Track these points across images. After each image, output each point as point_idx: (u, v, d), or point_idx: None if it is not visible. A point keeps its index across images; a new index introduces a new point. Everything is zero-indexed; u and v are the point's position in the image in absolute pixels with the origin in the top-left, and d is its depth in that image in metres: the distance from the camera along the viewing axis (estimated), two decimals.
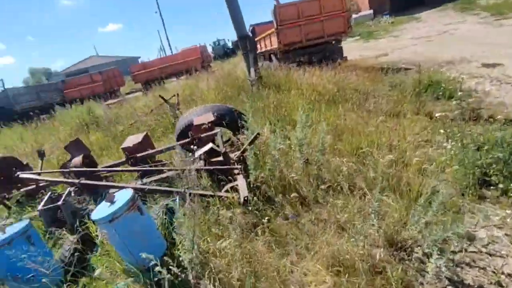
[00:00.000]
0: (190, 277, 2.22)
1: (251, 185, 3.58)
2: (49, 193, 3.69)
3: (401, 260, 2.60)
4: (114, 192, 2.60)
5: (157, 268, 2.17)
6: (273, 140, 3.96)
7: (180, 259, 2.32)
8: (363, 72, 8.74)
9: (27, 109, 17.75)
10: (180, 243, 2.34)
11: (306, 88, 7.28)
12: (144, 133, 4.89)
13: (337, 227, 3.02)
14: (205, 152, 3.95)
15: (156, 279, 2.19)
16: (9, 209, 4.35)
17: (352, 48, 16.84)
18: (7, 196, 4.27)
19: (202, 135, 4.31)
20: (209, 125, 4.40)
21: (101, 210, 2.37)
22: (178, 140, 4.94)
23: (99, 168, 4.32)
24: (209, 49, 33.85)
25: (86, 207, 3.67)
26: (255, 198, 3.33)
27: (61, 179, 3.76)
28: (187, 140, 4.39)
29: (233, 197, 3.36)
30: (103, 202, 2.43)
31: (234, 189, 3.49)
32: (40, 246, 2.62)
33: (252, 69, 8.62)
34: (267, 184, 3.64)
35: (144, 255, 2.15)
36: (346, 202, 3.24)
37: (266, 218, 3.12)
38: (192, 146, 4.11)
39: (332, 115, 5.76)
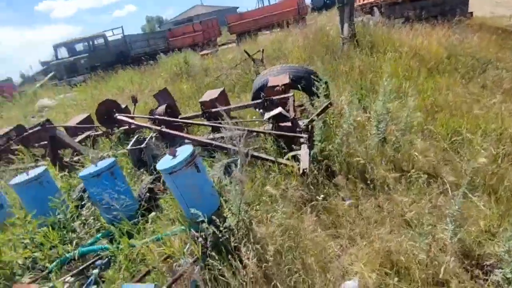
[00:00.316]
0: (232, 240, 2.32)
1: (315, 157, 3.40)
2: (137, 135, 4.23)
3: (474, 278, 2.18)
4: (178, 146, 2.79)
5: (204, 225, 2.32)
6: (348, 110, 3.58)
7: (227, 220, 2.43)
8: (489, 35, 6.94)
9: (139, 54, 20.20)
10: (227, 205, 2.42)
11: (406, 51, 6.21)
12: (222, 89, 5.02)
13: (401, 222, 2.67)
14: (274, 116, 3.85)
15: (202, 234, 2.36)
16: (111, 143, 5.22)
17: (481, 3, 13.39)
18: (111, 132, 5.09)
19: (274, 98, 4.19)
20: (283, 87, 4.22)
21: (164, 162, 2.60)
22: (253, 99, 4.94)
23: (179, 118, 4.70)
24: (308, 0, 31.66)
25: (164, 152, 4.10)
26: (315, 171, 3.16)
27: (147, 124, 4.25)
28: (259, 101, 4.34)
29: (292, 166, 3.27)
30: (167, 155, 2.65)
31: (297, 159, 3.38)
32: (121, 181, 3.08)
33: (345, 25, 7.73)
34: (332, 159, 3.40)
35: (193, 210, 2.31)
36: (420, 196, 2.80)
37: (322, 195, 2.96)
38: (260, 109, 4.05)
39: (431, 87, 4.85)
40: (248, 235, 2.40)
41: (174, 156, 2.63)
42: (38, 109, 13.93)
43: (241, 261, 2.21)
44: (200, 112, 4.58)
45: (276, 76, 4.65)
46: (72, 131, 5.32)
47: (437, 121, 4.02)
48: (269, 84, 4.36)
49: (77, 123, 5.35)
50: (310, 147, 3.44)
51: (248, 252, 2.18)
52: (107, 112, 4.62)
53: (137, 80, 12.06)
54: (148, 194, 3.30)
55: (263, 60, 7.83)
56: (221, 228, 2.34)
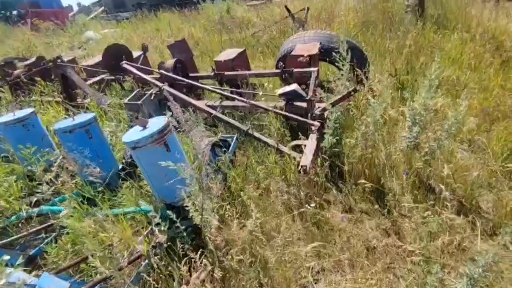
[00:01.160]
0: (188, 241, 1.96)
1: (322, 152, 2.82)
2: (137, 89, 3.88)
3: None
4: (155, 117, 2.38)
5: (167, 212, 1.97)
6: (378, 101, 2.86)
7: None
8: None
9: None
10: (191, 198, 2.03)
11: (481, 33, 4.96)
12: (242, 49, 4.40)
13: (406, 257, 2.12)
14: (287, 93, 3.24)
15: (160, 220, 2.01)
16: (122, 89, 4.97)
17: None
18: (123, 79, 4.81)
19: (294, 70, 3.52)
20: (307, 58, 3.51)
21: (131, 133, 2.22)
22: (276, 66, 4.29)
23: (189, 76, 4.24)
24: None
25: (163, 113, 3.73)
26: (318, 169, 2.61)
27: (151, 78, 3.86)
28: (276, 71, 3.70)
29: (294, 158, 2.74)
30: (136, 125, 2.26)
31: (301, 150, 2.83)
32: (98, 141, 2.80)
33: None
34: (343, 158, 2.80)
35: (155, 195, 1.96)
36: (441, 230, 2.18)
37: (316, 201, 2.44)
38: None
39: (499, 85, 3.82)
40: (207, 239, 2.02)
41: (144, 127, 2.23)
42: (84, 40, 14.21)
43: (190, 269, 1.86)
44: (211, 73, 4.06)
45: (305, 43, 3.91)
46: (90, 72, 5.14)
47: (494, 132, 3.15)
48: (293, 53, 3.66)
49: (93, 65, 5.13)
50: (320, 139, 2.85)
51: (199, 263, 1.81)
52: (115, 58, 4.28)
53: (176, 24, 11.55)
54: (131, 159, 3.01)
55: (306, 20, 6.85)
56: (178, 224, 1.98)
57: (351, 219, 2.44)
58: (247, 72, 3.93)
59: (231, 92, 3.51)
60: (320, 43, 3.76)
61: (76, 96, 4.80)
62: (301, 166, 2.55)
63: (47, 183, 2.69)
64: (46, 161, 2.80)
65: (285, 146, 2.90)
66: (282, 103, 3.35)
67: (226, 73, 3.95)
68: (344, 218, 2.35)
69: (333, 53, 3.11)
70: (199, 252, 1.88)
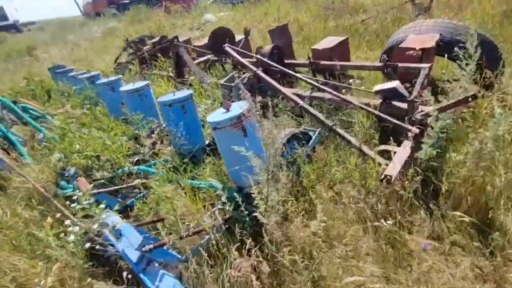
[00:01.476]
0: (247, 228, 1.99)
1: (416, 163, 2.43)
2: (234, 72, 4.06)
3: None
4: (234, 101, 2.44)
5: (233, 194, 2.05)
6: (507, 113, 2.27)
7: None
8: None
9: None
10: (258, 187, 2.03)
11: None
12: (344, 37, 4.08)
13: None
14: (386, 91, 2.88)
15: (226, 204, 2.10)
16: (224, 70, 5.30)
17: None
18: (224, 60, 5.12)
19: (399, 64, 3.09)
20: (419, 52, 3.01)
21: (215, 114, 2.33)
22: (381, 59, 3.84)
23: (284, 63, 4.19)
24: None
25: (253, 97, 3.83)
26: (406, 182, 2.27)
27: (247, 62, 3.97)
28: (378, 64, 3.31)
29: (379, 164, 2.45)
30: (221, 107, 2.35)
31: (389, 156, 2.50)
32: (190, 117, 3.05)
33: None
34: (442, 176, 2.35)
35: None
36: None
37: (396, 219, 2.13)
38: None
39: None
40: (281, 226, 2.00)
41: (227, 110, 2.31)
42: (203, 22, 15.69)
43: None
44: (308, 61, 3.92)
45: (420, 34, 3.35)
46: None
47: None
48: (402, 44, 3.20)
49: (201, 46, 5.60)
50: (415, 149, 2.45)
51: (251, 254, 1.81)
52: (220, 41, 4.55)
53: (285, 9, 11.56)
54: None
55: (428, 6, 5.88)
56: (242, 209, 2.03)
57: (437, 249, 2.05)
58: (344, 63, 3.64)
59: (323, 83, 3.32)
60: (440, 34, 3.17)
61: (184, 73, 5.36)
62: (385, 175, 2.25)
63: (148, 147, 3.12)
64: (149, 128, 3.24)
65: (372, 150, 2.61)
66: (377, 101, 3.00)
67: (322, 62, 3.75)
68: (428, 245, 2.00)
69: (456, 48, 2.57)
70: (253, 242, 1.89)
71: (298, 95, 3.36)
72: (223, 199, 2.05)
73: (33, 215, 2.64)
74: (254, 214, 2.03)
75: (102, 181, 2.86)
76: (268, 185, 1.96)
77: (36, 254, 2.17)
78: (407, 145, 2.48)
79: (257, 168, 1.92)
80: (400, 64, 3.05)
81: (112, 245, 1.99)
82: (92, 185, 2.54)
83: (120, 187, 2.74)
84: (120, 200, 2.76)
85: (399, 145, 2.50)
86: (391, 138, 2.52)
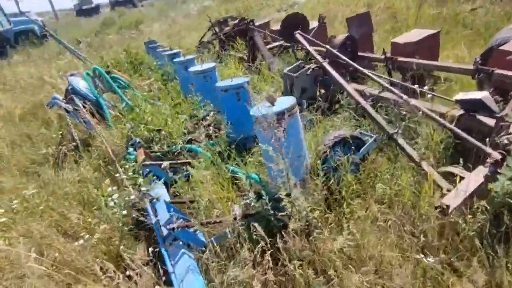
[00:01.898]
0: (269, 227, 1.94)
1: (486, 197, 1.99)
2: (300, 61, 3.88)
3: None
4: (293, 93, 2.33)
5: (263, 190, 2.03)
6: None
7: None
8: None
9: None
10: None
11: None
12: (435, 31, 3.49)
13: None
14: (469, 102, 2.39)
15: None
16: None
17: None
18: (296, 48, 4.95)
19: (494, 71, 2.50)
20: None
21: (261, 106, 2.27)
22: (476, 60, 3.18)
23: (354, 56, 3.83)
24: None
25: (314, 90, 3.65)
26: (470, 217, 1.90)
27: (314, 51, 3.73)
28: (469, 67, 2.75)
29: (439, 188, 2.10)
30: (261, 105, 2.28)
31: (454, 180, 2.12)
32: (243, 104, 3.06)
33: None
34: None
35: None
36: None
37: (446, 260, 1.81)
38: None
39: None
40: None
41: (272, 104, 2.24)
42: (291, 3, 15.36)
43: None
44: (385, 56, 3.49)
45: None
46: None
47: None
48: (504, 47, 2.57)
49: (275, 30, 5.48)
50: (491, 178, 2.00)
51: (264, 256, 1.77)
52: (292, 27, 4.37)
53: None
54: None
55: None
56: (267, 207, 1.99)
57: None
58: (425, 61, 3.13)
59: (391, 83, 2.93)
60: None
61: (257, 57, 5.38)
62: (442, 203, 1.92)
63: (201, 129, 3.28)
64: (206, 110, 3.38)
65: (435, 169, 2.23)
66: (457, 112, 2.52)
67: (399, 58, 3.30)
68: None
69: None
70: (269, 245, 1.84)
71: (362, 93, 3.05)
72: (251, 194, 2.03)
73: (98, 175, 3.06)
74: (278, 215, 1.97)
75: (158, 154, 3.14)
76: (295, 189, 1.86)
77: (91, 210, 2.53)
78: (480, 172, 2.05)
79: (284, 171, 1.83)
80: (496, 70, 2.47)
81: (148, 215, 2.19)
82: (144, 157, 2.79)
83: (170, 162, 2.97)
84: (170, 174, 2.99)
85: (469, 170, 2.08)
86: (460, 159, 2.11)
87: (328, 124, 3.25)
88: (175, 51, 5.55)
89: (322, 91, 3.78)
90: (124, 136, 3.58)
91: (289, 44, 5.07)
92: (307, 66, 3.67)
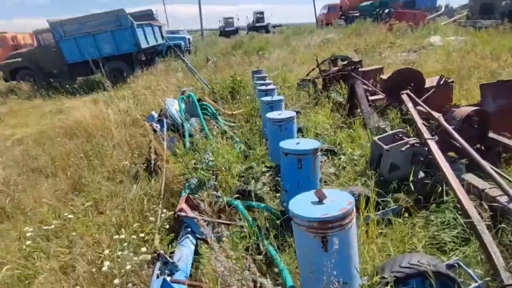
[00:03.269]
0: None
1: None
2: (399, 130, 3.06)
3: None
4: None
5: None
6: None
7: None
8: None
9: None
10: None
11: None
12: None
13: None
14: None
15: None
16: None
17: None
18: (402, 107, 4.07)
19: None
20: None
21: (302, 200, 1.71)
22: None
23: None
24: None
25: (408, 170, 2.79)
26: None
27: (421, 122, 2.86)
28: None
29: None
30: (309, 194, 1.71)
31: None
32: (305, 172, 2.51)
33: None
34: None
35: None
36: None
37: None
38: None
39: None
40: None
41: (320, 202, 1.66)
42: (424, 44, 13.65)
43: None
44: None
45: None
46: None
47: None
48: None
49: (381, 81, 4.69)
50: None
51: None
52: (402, 83, 3.55)
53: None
54: None
55: None
56: None
57: None
58: None
59: None
60: None
61: (357, 109, 4.70)
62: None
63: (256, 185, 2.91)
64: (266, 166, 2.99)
65: None
66: None
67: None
68: None
69: None
70: None
71: (480, 194, 2.10)
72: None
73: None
74: None
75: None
76: None
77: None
78: None
79: None
80: None
81: None
82: (183, 206, 2.58)
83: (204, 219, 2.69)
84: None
85: None
86: None
87: (413, 227, 2.39)
88: (270, 86, 5.39)
89: (422, 174, 2.88)
90: (182, 172, 3.51)
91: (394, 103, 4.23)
92: (406, 140, 2.86)
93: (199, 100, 4.91)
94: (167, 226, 2.71)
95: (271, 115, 3.51)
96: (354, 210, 1.64)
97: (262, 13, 44.47)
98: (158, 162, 3.84)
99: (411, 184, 2.59)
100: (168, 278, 1.88)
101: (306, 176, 2.54)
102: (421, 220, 2.51)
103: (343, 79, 5.49)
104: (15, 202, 4.03)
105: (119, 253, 2.05)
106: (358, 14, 30.84)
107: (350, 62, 5.69)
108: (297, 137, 3.56)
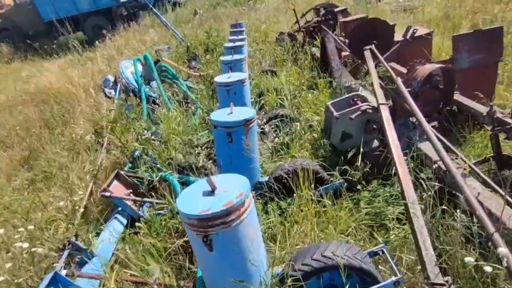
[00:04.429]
0: None
1: None
2: (352, 94, 2.69)
3: None
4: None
5: None
6: None
7: None
8: None
9: None
10: None
11: None
12: None
13: None
14: None
15: None
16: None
17: None
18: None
19: None
20: None
21: (193, 190, 1.46)
22: None
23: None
24: None
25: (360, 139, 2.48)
26: None
27: (378, 84, 2.47)
28: None
29: None
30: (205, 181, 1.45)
31: None
32: (237, 146, 2.23)
33: None
34: None
35: None
36: None
37: None
38: None
39: None
40: None
41: (211, 192, 1.41)
42: None
43: None
44: None
45: None
46: None
47: None
48: None
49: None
50: None
51: None
52: (367, 38, 3.07)
53: None
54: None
55: None
56: None
57: None
58: None
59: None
60: None
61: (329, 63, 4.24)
62: None
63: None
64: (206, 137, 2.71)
65: None
66: None
67: None
68: None
69: None
70: None
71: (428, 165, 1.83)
72: None
73: None
74: None
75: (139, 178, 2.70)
76: None
77: None
78: None
79: None
80: None
81: None
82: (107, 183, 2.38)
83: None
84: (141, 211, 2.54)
85: None
86: None
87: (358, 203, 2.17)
88: (238, 43, 4.87)
89: (377, 143, 2.58)
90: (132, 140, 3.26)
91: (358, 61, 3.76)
92: (359, 105, 2.51)
93: (156, 61, 4.47)
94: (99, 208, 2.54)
95: (219, 78, 3.13)
96: (249, 202, 1.39)
97: None
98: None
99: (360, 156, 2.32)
100: (64, 272, 1.72)
101: (238, 151, 2.26)
102: (367, 195, 2.28)
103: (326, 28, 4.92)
104: None
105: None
106: None
107: (328, 11, 5.04)
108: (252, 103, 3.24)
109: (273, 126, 3.04)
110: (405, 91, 2.25)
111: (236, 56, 3.90)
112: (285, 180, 2.27)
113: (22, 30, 13.21)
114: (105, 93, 4.07)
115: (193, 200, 1.38)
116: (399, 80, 2.35)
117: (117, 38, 10.85)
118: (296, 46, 5.39)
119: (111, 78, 4.49)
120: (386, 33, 3.16)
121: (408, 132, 2.47)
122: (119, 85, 4.16)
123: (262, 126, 2.92)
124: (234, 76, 3.11)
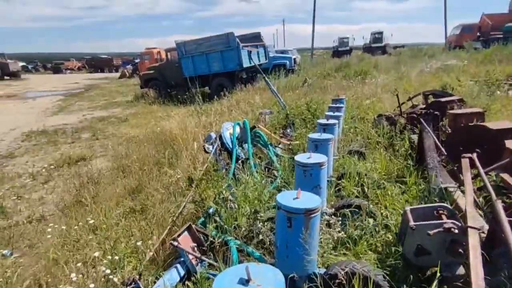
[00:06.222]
0: None
1: None
2: (441, 204, 2.36)
3: None
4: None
5: None
6: None
7: None
8: None
9: None
10: None
11: None
12: None
13: None
14: None
15: None
16: None
17: None
18: None
19: None
20: None
21: (230, 275, 1.51)
22: None
23: None
24: None
25: (441, 259, 2.14)
26: None
27: (471, 205, 2.10)
28: None
29: None
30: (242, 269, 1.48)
31: None
32: (296, 232, 2.22)
33: None
34: None
35: None
36: None
37: None
38: None
39: None
40: None
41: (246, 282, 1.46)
42: None
43: None
44: None
45: None
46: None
47: None
48: None
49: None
50: None
51: None
52: (469, 143, 2.71)
53: None
54: None
55: None
56: None
57: None
58: None
59: None
60: None
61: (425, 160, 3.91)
62: None
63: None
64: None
65: None
66: None
67: None
68: None
69: None
70: None
71: None
72: None
73: None
74: None
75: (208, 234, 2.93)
76: None
77: None
78: None
79: None
80: None
81: None
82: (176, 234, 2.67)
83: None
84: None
85: None
86: None
87: None
88: (331, 121, 5.00)
89: (463, 271, 2.16)
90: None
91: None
92: (444, 220, 2.21)
93: (253, 127, 4.98)
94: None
95: (299, 157, 3.27)
96: None
97: (380, 33, 41.76)
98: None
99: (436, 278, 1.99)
100: None
101: (296, 237, 2.26)
102: None
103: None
104: (94, 193, 4.98)
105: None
106: (502, 36, 25.66)
107: (436, 102, 4.75)
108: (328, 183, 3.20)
109: (342, 216, 2.91)
110: (505, 219, 1.89)
111: (324, 136, 4.01)
112: (340, 280, 2.12)
113: (167, 81, 16.78)
114: (204, 147, 4.71)
115: (228, 285, 1.46)
116: (498, 204, 2.00)
117: (233, 96, 12.58)
118: (394, 131, 5.17)
119: (213, 135, 5.18)
120: (491, 140, 2.77)
121: (509, 268, 2.00)
122: (217, 143, 4.76)
123: (327, 218, 2.83)
124: (314, 158, 3.19)
